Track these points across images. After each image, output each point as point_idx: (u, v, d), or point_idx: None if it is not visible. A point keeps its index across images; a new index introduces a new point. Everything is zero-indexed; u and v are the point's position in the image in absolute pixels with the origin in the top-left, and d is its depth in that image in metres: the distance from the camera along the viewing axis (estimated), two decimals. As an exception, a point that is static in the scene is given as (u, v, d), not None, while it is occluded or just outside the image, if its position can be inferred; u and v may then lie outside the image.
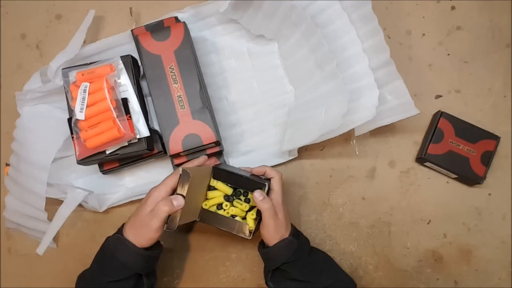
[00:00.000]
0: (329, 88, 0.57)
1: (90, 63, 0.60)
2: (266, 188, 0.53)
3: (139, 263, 0.50)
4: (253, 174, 0.56)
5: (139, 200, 0.64)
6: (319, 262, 0.54)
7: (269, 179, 0.55)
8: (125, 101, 0.58)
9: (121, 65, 0.59)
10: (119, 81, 0.59)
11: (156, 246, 0.53)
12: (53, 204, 0.61)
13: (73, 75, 0.58)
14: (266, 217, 0.51)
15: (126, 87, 0.59)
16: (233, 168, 0.57)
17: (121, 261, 0.50)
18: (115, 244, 0.51)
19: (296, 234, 0.53)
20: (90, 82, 0.57)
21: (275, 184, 0.54)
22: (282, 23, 0.61)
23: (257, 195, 0.51)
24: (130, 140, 0.57)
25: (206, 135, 0.57)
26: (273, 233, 0.51)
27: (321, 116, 0.57)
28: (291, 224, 0.54)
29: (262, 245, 0.55)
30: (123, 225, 0.53)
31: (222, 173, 0.55)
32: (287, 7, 0.59)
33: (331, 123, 0.55)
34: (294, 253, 0.51)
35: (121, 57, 0.60)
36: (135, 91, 0.59)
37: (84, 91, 0.56)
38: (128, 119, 0.56)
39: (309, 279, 0.51)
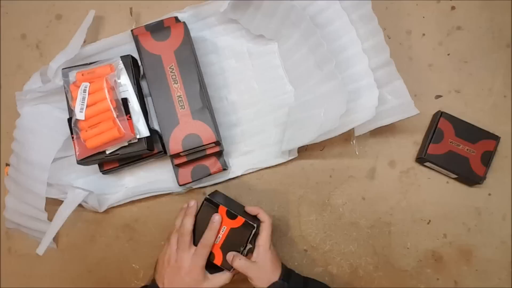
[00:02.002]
0: (328, 88, 0.57)
1: (90, 63, 0.60)
2: (253, 232, 0.53)
3: None
4: (245, 212, 0.56)
5: (139, 200, 0.64)
6: None
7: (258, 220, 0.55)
8: (125, 101, 0.58)
9: (121, 65, 0.59)
10: (119, 81, 0.59)
11: None
12: (53, 204, 0.61)
13: (73, 75, 0.58)
14: (243, 271, 0.52)
15: (126, 87, 0.59)
16: (226, 200, 0.57)
17: None
18: None
19: (286, 275, 0.53)
20: (90, 82, 0.57)
21: (264, 230, 0.53)
22: (282, 23, 0.61)
23: (228, 258, 0.53)
24: (130, 140, 0.57)
25: (206, 135, 0.57)
26: (258, 281, 0.52)
27: (320, 116, 0.57)
28: (282, 265, 0.54)
29: None
30: None
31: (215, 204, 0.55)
32: (287, 7, 0.59)
33: (330, 123, 0.55)
34: None
35: (121, 57, 0.60)
36: (135, 91, 0.59)
37: (84, 91, 0.56)
38: (128, 119, 0.56)
39: None
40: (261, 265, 0.52)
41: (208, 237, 0.52)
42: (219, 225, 0.53)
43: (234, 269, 0.53)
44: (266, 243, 0.53)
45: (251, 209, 0.55)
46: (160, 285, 0.52)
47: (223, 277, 0.53)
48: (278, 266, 0.53)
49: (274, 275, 0.52)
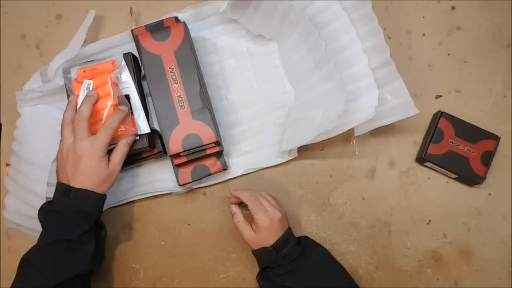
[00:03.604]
0: (327, 88, 0.57)
1: (91, 61, 0.60)
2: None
3: (99, 207, 0.53)
4: None
5: (139, 200, 0.65)
6: (304, 269, 0.54)
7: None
8: (127, 98, 0.58)
9: (123, 62, 0.59)
10: (121, 77, 0.59)
11: None
12: (53, 204, 0.61)
13: (74, 72, 0.58)
14: (239, 231, 0.55)
15: (127, 83, 0.59)
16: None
17: (89, 213, 0.52)
18: (80, 201, 0.51)
19: (281, 245, 0.53)
20: (92, 79, 0.57)
21: (251, 209, 0.55)
22: (281, 23, 0.61)
23: (231, 209, 0.57)
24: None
25: (206, 135, 0.57)
26: (250, 242, 0.55)
27: (319, 116, 0.57)
28: (285, 233, 0.55)
29: None
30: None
31: None
32: (285, 7, 0.59)
33: (329, 123, 0.55)
34: (273, 261, 0.53)
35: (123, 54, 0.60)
36: (136, 88, 0.59)
37: (88, 88, 0.56)
38: (130, 115, 0.57)
39: (287, 284, 0.53)
40: (254, 234, 0.54)
41: (112, 120, 0.52)
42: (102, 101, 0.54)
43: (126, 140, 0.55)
44: (260, 219, 0.53)
45: (234, 197, 0.59)
46: (66, 182, 0.52)
47: (120, 151, 0.54)
48: (276, 234, 0.54)
49: (267, 243, 0.53)
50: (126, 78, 0.59)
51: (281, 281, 0.53)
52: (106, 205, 0.64)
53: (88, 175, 0.51)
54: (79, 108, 0.53)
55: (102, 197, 0.53)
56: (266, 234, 0.54)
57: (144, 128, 0.58)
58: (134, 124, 0.57)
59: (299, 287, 0.53)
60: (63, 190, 0.52)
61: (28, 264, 0.52)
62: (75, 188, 0.51)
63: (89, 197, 0.51)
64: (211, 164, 0.61)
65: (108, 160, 0.53)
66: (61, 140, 0.54)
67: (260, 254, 0.55)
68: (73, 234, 0.51)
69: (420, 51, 0.64)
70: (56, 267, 0.51)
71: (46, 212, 0.52)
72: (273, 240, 0.54)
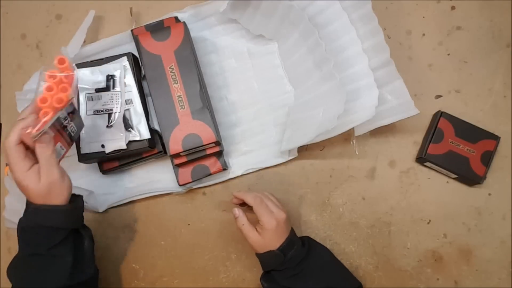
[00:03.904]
0: (327, 88, 0.58)
1: (93, 61, 0.60)
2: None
3: (62, 220, 0.49)
4: None
5: (139, 200, 0.65)
6: (311, 270, 0.54)
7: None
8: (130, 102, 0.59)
9: (127, 64, 0.59)
10: (124, 80, 0.59)
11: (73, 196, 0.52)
12: (53, 204, 0.61)
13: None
14: (243, 234, 0.54)
15: (130, 87, 0.59)
16: None
17: (51, 227, 0.49)
18: (36, 217, 0.49)
19: (287, 247, 0.53)
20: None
21: (257, 211, 0.53)
22: (281, 23, 0.61)
23: (234, 212, 0.55)
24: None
25: (206, 135, 0.57)
26: (256, 246, 0.53)
27: (319, 116, 0.57)
28: (289, 234, 0.54)
29: None
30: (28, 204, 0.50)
31: None
32: (285, 7, 0.59)
33: (328, 123, 0.55)
34: (280, 264, 0.52)
35: (121, 55, 0.60)
36: (138, 92, 0.59)
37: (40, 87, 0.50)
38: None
39: (295, 287, 0.52)
40: (260, 236, 0.53)
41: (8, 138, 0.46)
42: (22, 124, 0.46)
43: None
44: (266, 222, 0.52)
45: (235, 198, 0.57)
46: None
47: (41, 161, 0.47)
48: (282, 236, 0.53)
49: (274, 245, 0.52)
50: (129, 81, 0.59)
51: (289, 284, 0.52)
52: (106, 205, 0.64)
53: (25, 191, 0.48)
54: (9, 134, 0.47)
55: (61, 209, 0.49)
56: (273, 236, 0.53)
57: (144, 133, 0.58)
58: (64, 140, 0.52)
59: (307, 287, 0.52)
60: (25, 207, 0.51)
61: (10, 277, 0.51)
62: (30, 204, 0.49)
63: (44, 212, 0.48)
64: (211, 164, 0.61)
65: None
66: None
67: (267, 258, 0.53)
68: (42, 249, 0.49)
69: (420, 51, 0.64)
70: (32, 282, 0.49)
71: (18, 228, 0.51)
72: (279, 242, 0.52)
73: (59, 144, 0.50)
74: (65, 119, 0.49)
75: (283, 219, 0.53)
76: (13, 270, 0.51)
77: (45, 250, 0.49)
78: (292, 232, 0.55)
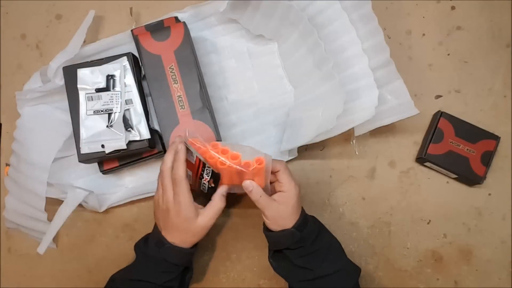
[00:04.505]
0: (327, 88, 0.58)
1: (93, 61, 0.60)
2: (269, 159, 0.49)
3: (187, 260, 0.53)
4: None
5: (139, 200, 0.64)
6: (323, 250, 0.52)
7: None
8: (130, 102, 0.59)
9: (127, 64, 0.59)
10: (124, 80, 0.59)
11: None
12: (53, 204, 0.61)
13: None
14: (260, 207, 0.50)
15: (130, 87, 0.59)
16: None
17: (176, 264, 0.52)
18: (168, 255, 0.51)
19: (302, 224, 0.51)
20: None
21: (283, 173, 0.51)
22: (281, 23, 0.61)
23: (247, 186, 0.50)
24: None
25: (206, 135, 0.57)
26: (272, 222, 0.51)
27: (319, 116, 0.57)
28: (301, 213, 0.52)
29: (266, 227, 0.54)
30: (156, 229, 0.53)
31: None
32: (285, 7, 0.59)
33: (328, 123, 0.55)
34: (295, 243, 0.51)
35: (121, 55, 0.60)
36: (138, 92, 0.59)
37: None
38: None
39: (309, 267, 0.51)
40: (280, 208, 0.50)
41: (176, 170, 0.49)
42: (184, 155, 0.49)
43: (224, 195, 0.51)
44: (290, 188, 0.50)
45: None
46: (159, 227, 0.53)
47: (215, 206, 0.50)
48: (297, 212, 0.51)
49: (290, 221, 0.50)
50: (130, 81, 0.59)
51: (303, 263, 0.51)
52: (106, 205, 0.64)
53: (175, 230, 0.51)
54: (174, 166, 0.50)
55: (191, 251, 0.52)
56: (293, 210, 0.50)
57: (144, 134, 0.58)
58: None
59: (321, 267, 0.51)
60: (155, 240, 0.52)
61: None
62: (166, 241, 0.51)
63: (178, 253, 0.51)
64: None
65: (198, 212, 0.50)
66: (158, 186, 0.53)
67: (281, 237, 0.51)
68: (159, 280, 0.51)
69: (420, 51, 0.64)
70: None
71: (140, 252, 0.54)
72: (295, 218, 0.50)
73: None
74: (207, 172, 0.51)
75: (299, 191, 0.51)
76: (121, 283, 0.53)
77: (161, 282, 0.51)
78: (303, 209, 0.53)
